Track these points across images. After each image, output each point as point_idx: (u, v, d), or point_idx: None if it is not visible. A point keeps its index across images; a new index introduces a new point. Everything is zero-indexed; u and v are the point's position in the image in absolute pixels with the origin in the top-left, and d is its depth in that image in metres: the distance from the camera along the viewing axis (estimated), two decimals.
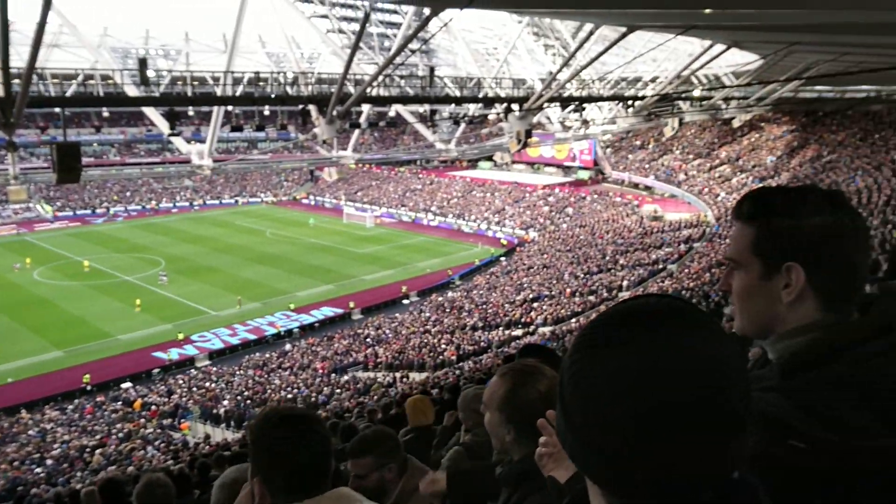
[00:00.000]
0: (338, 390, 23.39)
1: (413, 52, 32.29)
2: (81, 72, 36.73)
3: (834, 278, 1.07)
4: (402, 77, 31.82)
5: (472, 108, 35.70)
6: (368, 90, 20.91)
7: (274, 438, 1.60)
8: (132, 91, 26.22)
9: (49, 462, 18.69)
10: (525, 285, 36.03)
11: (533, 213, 54.35)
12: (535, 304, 32.15)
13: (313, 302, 37.85)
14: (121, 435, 20.80)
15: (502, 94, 29.26)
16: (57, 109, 40.77)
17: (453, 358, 25.67)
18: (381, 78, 21.90)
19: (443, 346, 27.51)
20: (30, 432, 22.19)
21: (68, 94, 26.06)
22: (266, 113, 49.64)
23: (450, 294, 38.54)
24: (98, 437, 20.90)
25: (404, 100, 29.83)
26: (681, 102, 34.17)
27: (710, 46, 21.15)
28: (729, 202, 41.52)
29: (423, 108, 34.44)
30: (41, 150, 62.92)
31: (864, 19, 10.92)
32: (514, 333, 28.46)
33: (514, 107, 24.14)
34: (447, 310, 34.17)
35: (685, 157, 53.93)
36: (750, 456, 0.75)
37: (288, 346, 31.29)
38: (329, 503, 1.55)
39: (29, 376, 28.02)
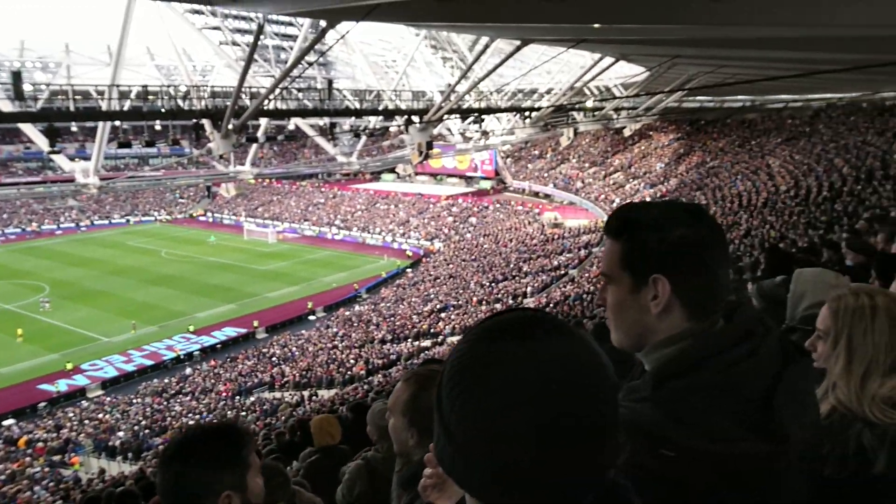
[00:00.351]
0: (243, 413, 22.62)
1: (310, 64, 31.90)
2: None
3: (698, 288, 1.11)
4: (299, 90, 31.35)
5: (373, 121, 35.69)
6: (265, 103, 20.49)
7: None
8: (6, 106, 24.46)
9: None
10: (432, 296, 36.21)
11: (437, 224, 54.76)
12: (443, 315, 32.36)
13: (214, 323, 36.48)
14: (3, 477, 19.22)
15: (402, 107, 29.41)
16: None
17: (362, 373, 25.40)
18: (277, 91, 21.51)
19: (351, 361, 27.20)
20: None
21: None
22: (157, 128, 47.71)
23: (357, 308, 38.18)
24: None
25: (302, 113, 29.42)
26: (575, 113, 35.50)
27: (600, 59, 22.11)
28: None
29: (323, 122, 34.09)
30: None
31: (736, 35, 11.72)
32: (422, 345, 28.51)
33: (415, 119, 24.33)
34: (355, 324, 33.82)
35: (581, 166, 55.95)
36: (626, 466, 0.80)
37: (188, 370, 29.97)
38: None
39: None
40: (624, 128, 50.09)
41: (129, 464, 19.91)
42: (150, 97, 23.57)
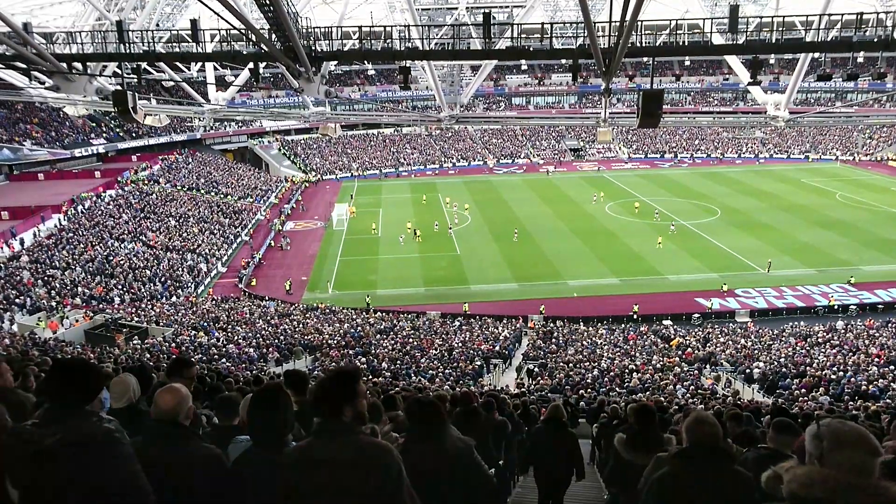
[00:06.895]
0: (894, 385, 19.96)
1: None
2: (672, 22, 38.57)
3: None
4: None
5: None
6: None
7: None
8: (717, 39, 26.49)
9: (595, 372, 21.40)
10: None
11: None
12: None
13: (879, 280, 33.03)
14: (657, 366, 22.28)
15: None
16: (646, 59, 44.08)
17: None
18: None
19: None
20: (584, 342, 25.77)
21: (657, 44, 27.67)
22: (860, 60, 43.89)
23: None
24: (637, 362, 22.83)
25: None
26: None
27: None
28: None
29: None
30: (627, 97, 69.58)
31: None
32: None
33: None
34: None
35: None
36: None
37: (840, 324, 28.12)
38: None
39: (590, 295, 32.39)
40: None
41: (761, 395, 20.31)
42: (863, 26, 21.57)
